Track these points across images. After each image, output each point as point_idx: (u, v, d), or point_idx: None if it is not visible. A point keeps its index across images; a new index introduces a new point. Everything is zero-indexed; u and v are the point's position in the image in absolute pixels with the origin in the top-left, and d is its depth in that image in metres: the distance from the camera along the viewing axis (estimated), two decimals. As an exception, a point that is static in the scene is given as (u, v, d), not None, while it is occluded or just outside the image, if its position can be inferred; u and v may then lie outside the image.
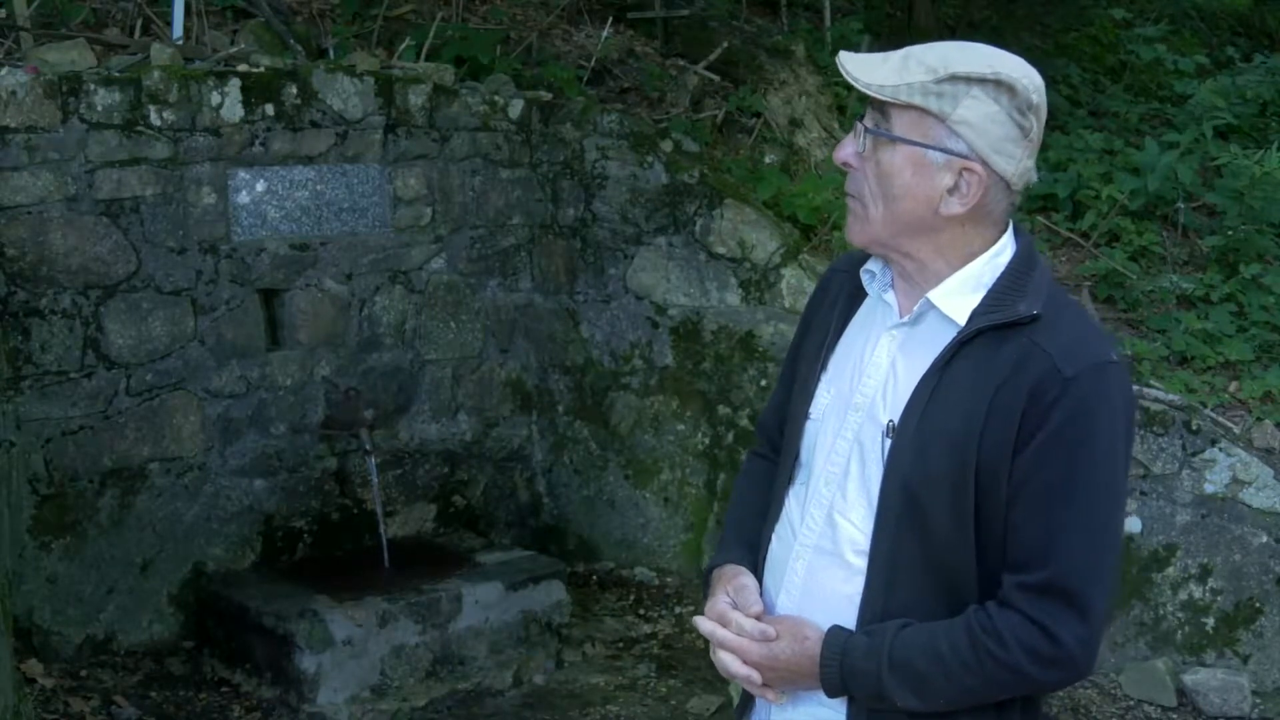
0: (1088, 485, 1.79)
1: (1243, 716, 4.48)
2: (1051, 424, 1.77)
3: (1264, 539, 4.58)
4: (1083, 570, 1.79)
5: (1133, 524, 4.75)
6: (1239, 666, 4.59)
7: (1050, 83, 7.85)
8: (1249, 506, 4.60)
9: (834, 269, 2.15)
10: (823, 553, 1.94)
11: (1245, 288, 5.49)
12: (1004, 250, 1.91)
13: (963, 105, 1.82)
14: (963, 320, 1.86)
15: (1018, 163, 1.85)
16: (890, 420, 1.88)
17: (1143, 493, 4.73)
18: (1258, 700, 4.53)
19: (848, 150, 1.92)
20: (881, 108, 1.86)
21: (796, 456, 2.03)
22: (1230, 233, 5.71)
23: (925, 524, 1.83)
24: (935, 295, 1.89)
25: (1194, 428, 4.68)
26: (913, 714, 1.87)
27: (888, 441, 1.87)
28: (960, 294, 1.88)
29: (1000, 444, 1.79)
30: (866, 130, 1.89)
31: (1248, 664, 4.59)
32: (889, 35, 7.40)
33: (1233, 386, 5.04)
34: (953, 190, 1.85)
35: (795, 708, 2.00)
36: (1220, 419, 4.80)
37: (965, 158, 1.83)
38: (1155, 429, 4.71)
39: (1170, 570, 4.70)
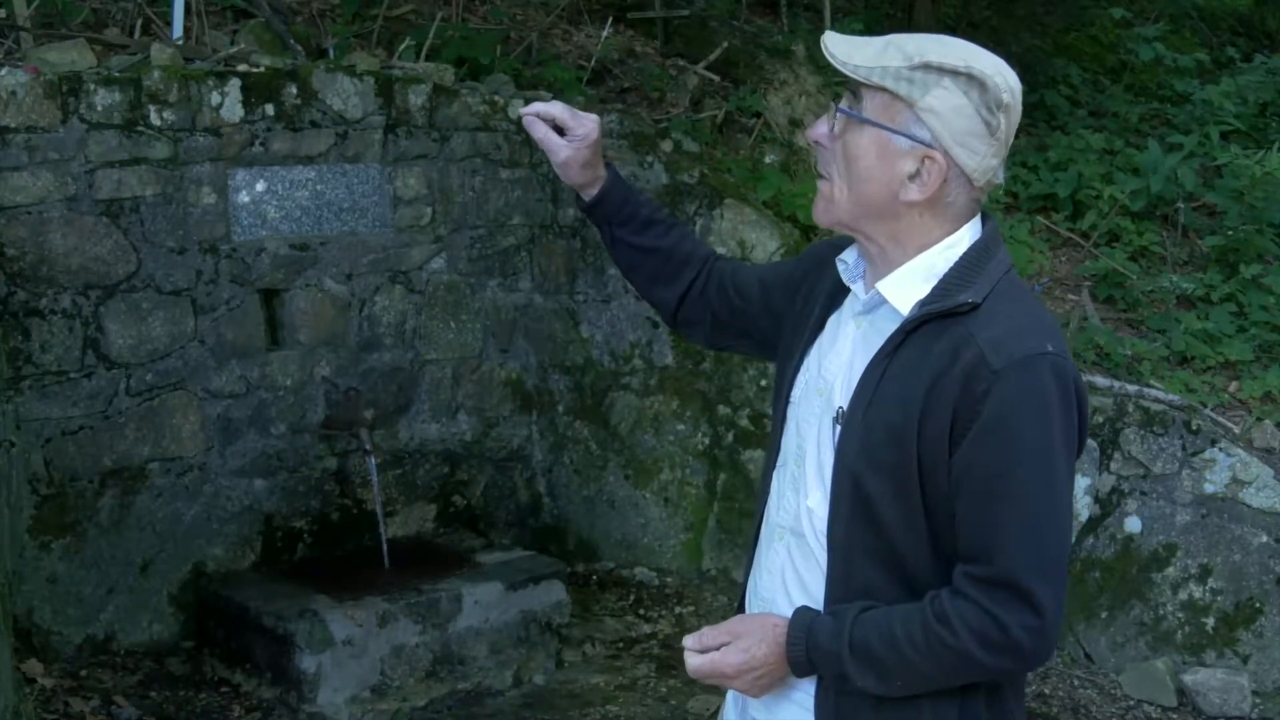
0: (1020, 481, 1.80)
1: (1243, 716, 4.49)
2: (982, 418, 1.79)
3: (1264, 539, 4.58)
4: (1027, 565, 1.79)
5: (1133, 524, 4.76)
6: (1239, 666, 4.59)
7: (1050, 83, 7.80)
8: (1249, 506, 4.60)
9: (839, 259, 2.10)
10: (797, 535, 1.99)
11: (1245, 288, 5.50)
12: (960, 242, 1.92)
13: (932, 94, 1.84)
14: (906, 310, 1.88)
15: (981, 159, 1.87)
16: (840, 407, 1.91)
17: (1143, 493, 4.73)
18: (1258, 700, 4.53)
19: (820, 129, 1.95)
20: (856, 89, 1.90)
21: (779, 440, 2.07)
22: (1230, 233, 5.71)
23: (874, 511, 1.86)
24: (884, 285, 1.92)
25: (1194, 428, 4.68)
26: (877, 699, 1.89)
27: (837, 428, 1.91)
28: (909, 284, 1.90)
29: (938, 435, 1.81)
30: (838, 110, 1.92)
31: (1248, 664, 4.59)
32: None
33: (1233, 386, 5.05)
34: (913, 177, 1.88)
35: (772, 712, 2.03)
36: (1220, 419, 4.80)
37: (929, 146, 1.86)
38: (1155, 429, 4.71)
39: (1170, 570, 4.71)
